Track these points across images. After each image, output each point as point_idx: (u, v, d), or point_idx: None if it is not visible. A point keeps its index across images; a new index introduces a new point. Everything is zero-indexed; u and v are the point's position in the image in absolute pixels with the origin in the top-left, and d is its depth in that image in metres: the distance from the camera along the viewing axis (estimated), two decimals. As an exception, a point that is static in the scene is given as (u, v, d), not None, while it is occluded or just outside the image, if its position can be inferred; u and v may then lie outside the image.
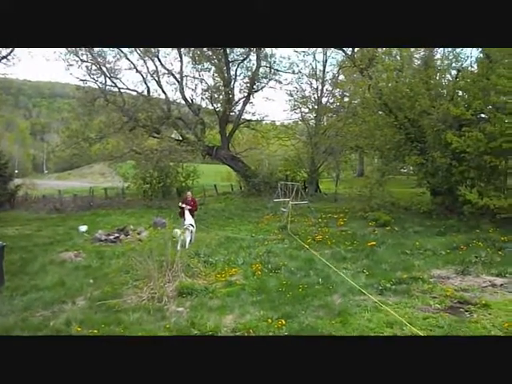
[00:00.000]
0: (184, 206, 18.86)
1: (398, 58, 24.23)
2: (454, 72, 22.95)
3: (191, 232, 17.18)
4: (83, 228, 21.46)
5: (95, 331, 8.96)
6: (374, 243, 16.01)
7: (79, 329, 9.19)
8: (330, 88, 36.64)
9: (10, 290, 12.47)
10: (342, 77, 35.95)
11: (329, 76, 37.38)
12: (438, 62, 23.95)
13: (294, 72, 36.98)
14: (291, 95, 37.13)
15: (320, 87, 36.52)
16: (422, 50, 24.31)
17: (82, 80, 35.81)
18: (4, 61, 33.11)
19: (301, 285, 11.46)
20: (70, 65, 34.28)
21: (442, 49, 23.59)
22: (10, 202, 32.27)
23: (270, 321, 9.11)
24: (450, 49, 22.56)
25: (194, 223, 17.82)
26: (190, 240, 16.83)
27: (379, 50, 24.82)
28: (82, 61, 34.11)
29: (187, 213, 18.29)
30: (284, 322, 8.96)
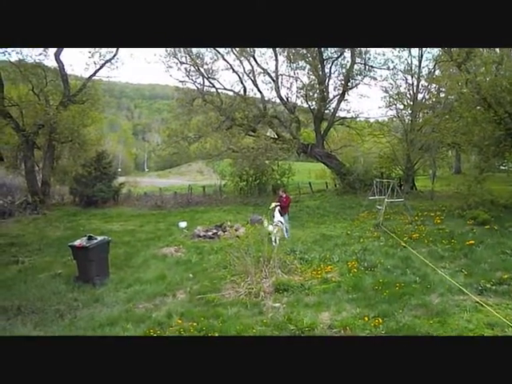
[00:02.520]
0: (274, 204, 19.19)
1: (497, 50, 23.30)
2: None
3: (281, 229, 17.42)
4: (183, 224, 22.14)
5: (195, 324, 9.32)
6: (472, 242, 15.50)
7: (180, 321, 9.61)
8: (426, 84, 35.54)
9: (114, 282, 13.22)
10: (438, 72, 34.81)
11: (425, 71, 36.23)
12: (540, 54, 22.87)
13: (389, 68, 36.18)
14: (386, 92, 36.28)
15: (415, 83, 35.46)
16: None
17: (181, 81, 36.90)
18: (108, 64, 34.75)
19: (397, 283, 11.38)
20: (170, 67, 35.33)
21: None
22: (115, 198, 33.76)
23: (366, 319, 9.15)
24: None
25: (283, 220, 18.05)
26: (282, 237, 17.05)
27: (477, 43, 23.93)
28: (181, 63, 35.03)
29: (276, 211, 18.54)
30: (381, 321, 8.97)
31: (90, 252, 12.94)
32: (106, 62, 34.28)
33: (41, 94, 33.63)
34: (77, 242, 13.24)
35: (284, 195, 20.12)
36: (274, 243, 15.53)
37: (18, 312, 10.75)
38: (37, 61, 32.63)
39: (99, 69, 34.68)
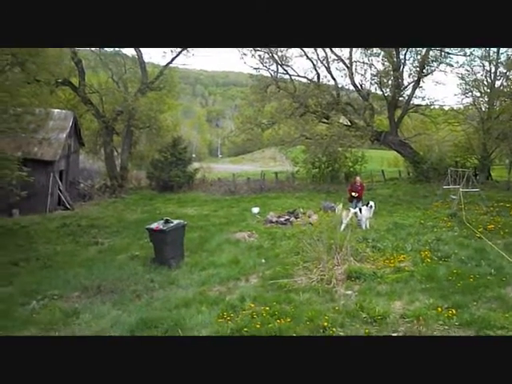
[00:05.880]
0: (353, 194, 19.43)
1: None
2: None
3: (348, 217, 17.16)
4: (256, 210, 22.41)
5: (267, 308, 9.48)
6: (551, 235, 15.01)
7: (252, 305, 9.80)
8: (504, 70, 34.31)
9: (189, 265, 13.64)
10: (517, 58, 33.54)
11: (503, 57, 35.00)
12: None
13: (465, 54, 35.05)
14: (462, 78, 35.35)
15: (493, 69, 34.39)
16: None
17: (255, 68, 37.22)
18: (184, 52, 35.43)
19: (472, 274, 11.11)
20: (244, 54, 35.57)
21: None
22: (189, 183, 34.46)
23: (439, 309, 9.00)
24: None
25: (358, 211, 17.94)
26: (347, 225, 16.69)
27: None
28: (256, 50, 35.25)
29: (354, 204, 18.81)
30: (455, 312, 8.81)
31: (167, 235, 13.36)
32: (183, 49, 34.94)
33: (120, 81, 34.88)
34: (154, 225, 13.70)
35: (359, 183, 20.16)
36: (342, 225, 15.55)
37: (97, 291, 11.31)
38: (116, 49, 33.75)
39: (176, 56, 35.52)
